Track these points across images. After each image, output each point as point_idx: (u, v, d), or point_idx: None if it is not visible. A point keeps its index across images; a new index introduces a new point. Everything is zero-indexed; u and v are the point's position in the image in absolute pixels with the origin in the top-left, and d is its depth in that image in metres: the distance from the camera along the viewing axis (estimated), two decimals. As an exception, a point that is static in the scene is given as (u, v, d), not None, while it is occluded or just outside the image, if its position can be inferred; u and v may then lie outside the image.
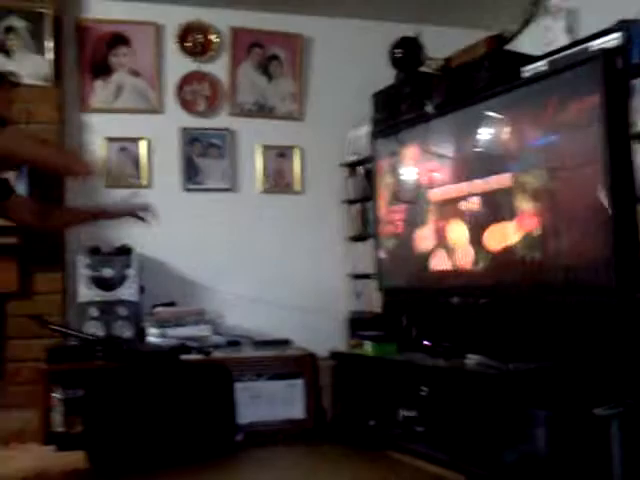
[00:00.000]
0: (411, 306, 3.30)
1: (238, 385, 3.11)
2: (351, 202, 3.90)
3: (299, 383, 3.21)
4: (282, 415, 3.15)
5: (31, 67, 3.49)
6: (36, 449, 2.94)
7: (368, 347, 3.19)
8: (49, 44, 3.49)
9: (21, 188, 3.16)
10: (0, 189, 2.20)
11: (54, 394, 2.95)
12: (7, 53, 3.50)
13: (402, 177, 3.37)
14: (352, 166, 3.92)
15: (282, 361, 3.24)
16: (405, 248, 3.31)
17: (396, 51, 3.53)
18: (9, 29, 3.52)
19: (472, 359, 2.72)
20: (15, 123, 2.24)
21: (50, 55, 3.50)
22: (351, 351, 3.35)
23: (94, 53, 3.71)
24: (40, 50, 3.50)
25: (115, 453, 2.80)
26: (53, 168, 2.38)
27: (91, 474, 2.72)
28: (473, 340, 2.83)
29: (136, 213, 2.42)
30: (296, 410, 3.18)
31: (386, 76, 3.53)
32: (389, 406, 2.98)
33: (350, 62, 3.98)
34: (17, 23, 3.52)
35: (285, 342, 3.47)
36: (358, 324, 3.56)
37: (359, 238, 3.82)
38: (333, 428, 3.17)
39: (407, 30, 3.49)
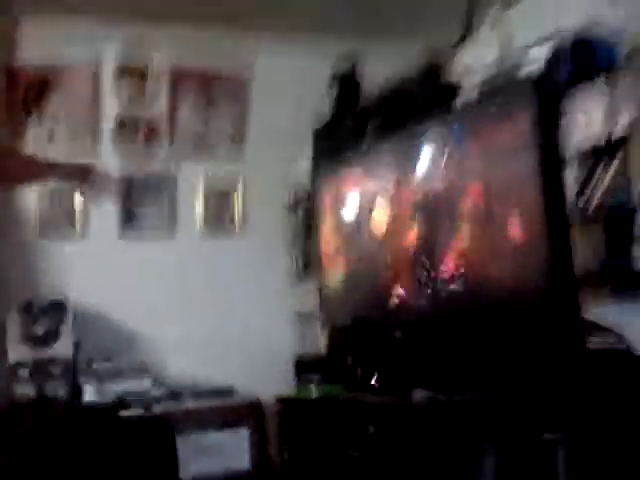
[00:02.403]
0: (355, 344, 3.25)
1: (181, 439, 3.01)
2: (294, 240, 3.86)
3: (244, 432, 3.12)
4: (227, 467, 3.06)
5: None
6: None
7: (312, 389, 3.13)
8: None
9: None
10: None
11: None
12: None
13: (344, 212, 3.35)
14: (293, 203, 3.88)
15: (225, 411, 3.16)
16: (347, 284, 3.26)
17: (333, 88, 3.56)
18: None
19: (419, 394, 2.67)
20: None
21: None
22: (296, 395, 3.27)
23: (26, 97, 3.63)
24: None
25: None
26: None
27: None
28: (419, 375, 2.78)
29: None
30: (241, 461, 3.09)
31: (325, 112, 3.53)
32: (336, 448, 2.90)
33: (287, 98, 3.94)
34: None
35: (228, 391, 3.37)
36: (304, 367, 3.49)
37: (303, 277, 3.77)
38: (281, 476, 3.08)
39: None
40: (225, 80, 3.93)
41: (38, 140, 3.61)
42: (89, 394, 3.12)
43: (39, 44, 3.56)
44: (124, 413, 3.03)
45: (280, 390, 3.33)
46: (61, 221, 3.62)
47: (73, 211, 3.63)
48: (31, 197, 3.54)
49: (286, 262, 3.89)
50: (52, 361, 3.17)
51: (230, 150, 3.94)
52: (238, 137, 3.95)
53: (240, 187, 3.93)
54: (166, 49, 3.76)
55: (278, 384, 3.40)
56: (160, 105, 3.84)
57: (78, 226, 3.63)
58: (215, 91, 3.94)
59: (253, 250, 3.85)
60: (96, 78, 3.71)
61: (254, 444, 3.11)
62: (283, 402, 3.24)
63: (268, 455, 3.17)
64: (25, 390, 3.10)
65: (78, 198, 3.61)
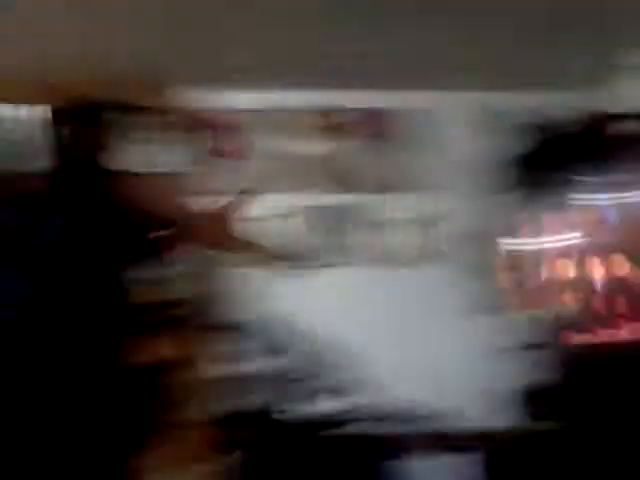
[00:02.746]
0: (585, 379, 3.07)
1: (392, 463, 2.91)
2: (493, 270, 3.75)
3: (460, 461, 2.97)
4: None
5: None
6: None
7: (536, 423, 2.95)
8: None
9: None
10: None
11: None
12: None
13: (543, 249, 3.24)
14: (491, 233, 3.79)
15: (442, 438, 3.03)
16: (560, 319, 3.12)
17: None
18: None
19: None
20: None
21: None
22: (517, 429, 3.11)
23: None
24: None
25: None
26: None
27: None
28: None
29: None
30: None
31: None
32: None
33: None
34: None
35: (445, 419, 3.22)
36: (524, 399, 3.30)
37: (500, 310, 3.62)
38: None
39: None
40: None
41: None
42: (306, 406, 3.10)
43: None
44: (337, 430, 2.98)
45: (494, 423, 3.17)
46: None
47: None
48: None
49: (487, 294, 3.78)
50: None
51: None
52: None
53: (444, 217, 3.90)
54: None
55: (492, 418, 3.24)
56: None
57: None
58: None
59: (460, 279, 3.73)
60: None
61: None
62: (501, 436, 3.08)
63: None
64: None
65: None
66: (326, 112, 3.93)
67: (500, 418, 3.27)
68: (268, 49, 3.09)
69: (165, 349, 3.15)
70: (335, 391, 3.21)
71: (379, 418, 3.17)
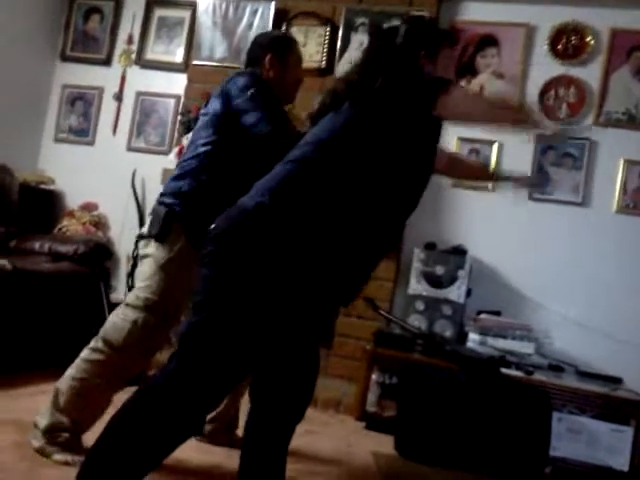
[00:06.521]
0: None
1: (555, 414, 2.87)
2: None
3: (628, 430, 2.82)
4: (600, 460, 2.82)
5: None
6: (348, 422, 3.12)
7: None
8: (422, 45, 3.64)
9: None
10: None
11: (373, 375, 3.09)
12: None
13: None
14: None
15: (611, 401, 2.88)
16: None
17: None
18: (388, 32, 3.76)
19: None
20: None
21: (421, 55, 3.64)
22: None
23: (463, 54, 3.77)
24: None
25: (422, 445, 2.80)
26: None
27: (395, 460, 2.78)
28: None
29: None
30: (618, 459, 2.81)
31: None
32: None
33: None
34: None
35: (616, 380, 3.08)
36: None
37: None
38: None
39: None
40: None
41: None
42: (472, 342, 3.16)
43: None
44: (504, 371, 2.99)
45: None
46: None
47: (488, 165, 3.66)
48: (453, 147, 3.68)
49: None
50: (445, 301, 3.30)
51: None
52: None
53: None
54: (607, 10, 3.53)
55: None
56: (595, 67, 3.61)
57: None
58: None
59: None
60: (531, 37, 3.66)
61: (637, 446, 2.79)
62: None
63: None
64: (418, 321, 3.30)
65: (494, 152, 3.65)
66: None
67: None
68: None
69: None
70: (505, 331, 3.19)
71: (546, 367, 3.11)
